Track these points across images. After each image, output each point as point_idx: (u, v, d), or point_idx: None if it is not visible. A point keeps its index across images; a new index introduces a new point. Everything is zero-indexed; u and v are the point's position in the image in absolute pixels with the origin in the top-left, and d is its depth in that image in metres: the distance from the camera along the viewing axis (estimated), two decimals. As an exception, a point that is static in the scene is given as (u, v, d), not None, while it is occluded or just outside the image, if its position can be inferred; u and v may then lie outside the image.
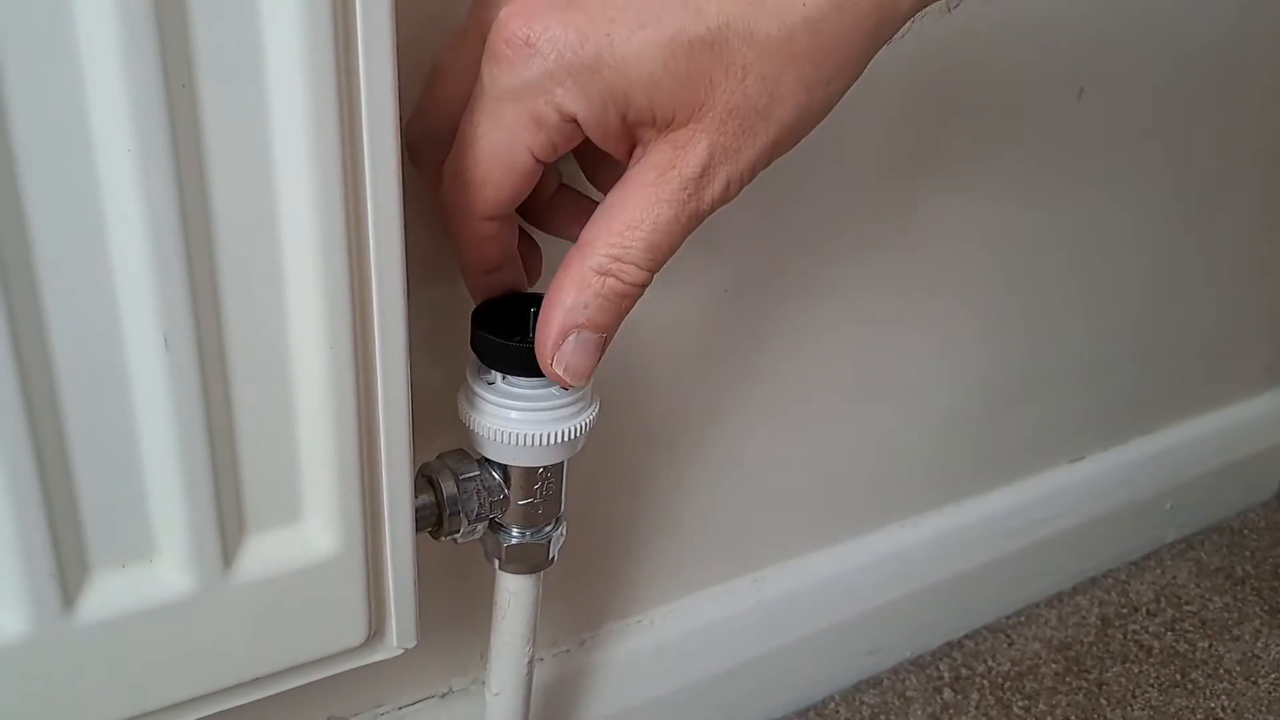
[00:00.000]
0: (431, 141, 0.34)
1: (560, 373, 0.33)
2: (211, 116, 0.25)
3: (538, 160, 0.31)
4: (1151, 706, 0.69)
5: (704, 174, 0.30)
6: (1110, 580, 0.81)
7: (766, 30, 0.29)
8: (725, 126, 0.30)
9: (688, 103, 0.29)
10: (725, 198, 0.31)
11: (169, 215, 0.25)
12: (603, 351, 0.33)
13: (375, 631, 0.35)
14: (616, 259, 0.31)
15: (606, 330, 0.33)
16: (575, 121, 0.30)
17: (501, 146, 0.31)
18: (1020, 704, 0.68)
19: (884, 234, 0.55)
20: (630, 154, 0.31)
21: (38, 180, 0.24)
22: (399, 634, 0.36)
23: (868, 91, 0.49)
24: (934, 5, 0.32)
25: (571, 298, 0.32)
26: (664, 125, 0.30)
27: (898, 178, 0.54)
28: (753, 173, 0.31)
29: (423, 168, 0.35)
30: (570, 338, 0.32)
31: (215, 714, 0.33)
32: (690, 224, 0.31)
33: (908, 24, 0.32)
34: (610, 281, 0.31)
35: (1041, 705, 0.68)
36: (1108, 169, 0.64)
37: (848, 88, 0.32)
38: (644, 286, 0.32)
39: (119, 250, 0.26)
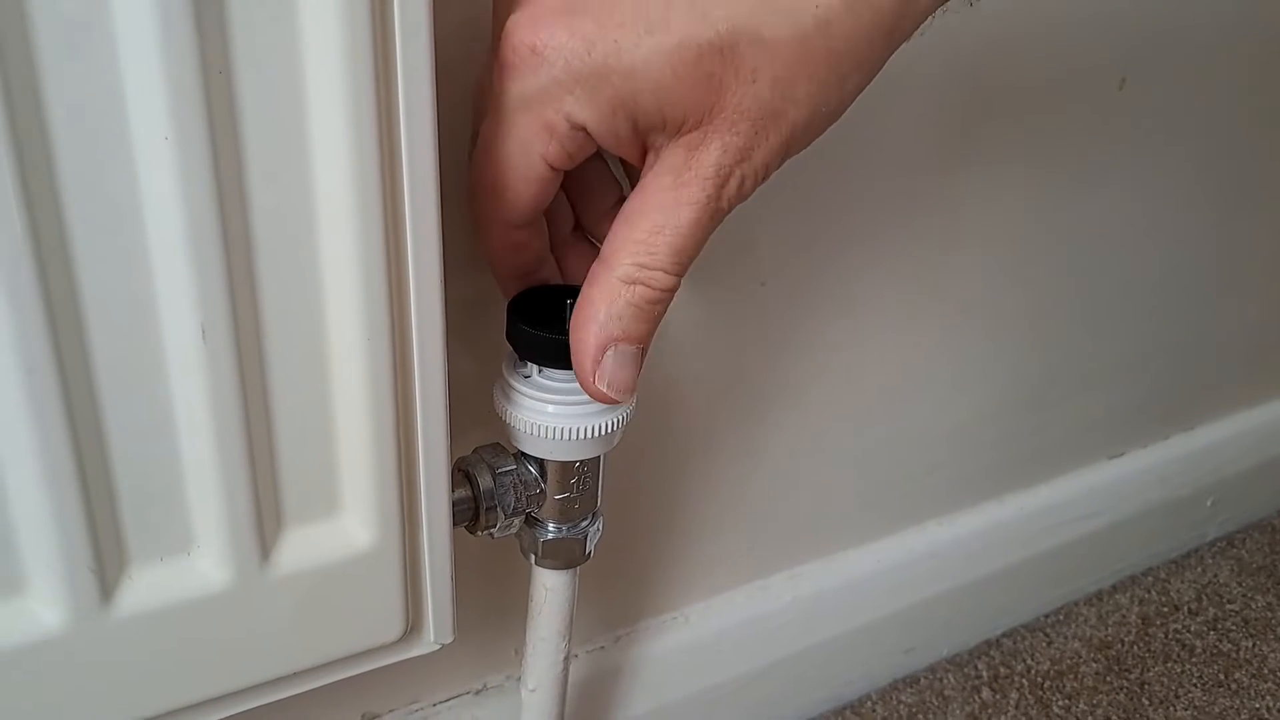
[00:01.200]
0: None
1: (605, 390, 0.32)
2: (248, 103, 0.25)
3: (553, 168, 0.31)
4: (1195, 707, 0.68)
5: (719, 174, 0.30)
6: (1150, 578, 0.80)
7: (777, 33, 0.28)
8: (737, 128, 0.29)
9: (698, 106, 0.29)
10: (741, 196, 0.31)
11: (206, 203, 0.25)
12: (642, 363, 0.33)
13: (412, 627, 0.35)
14: (643, 266, 0.31)
15: (642, 340, 0.32)
16: (585, 130, 0.29)
17: (517, 156, 0.30)
18: (1060, 703, 0.67)
19: (922, 228, 0.54)
20: (643, 160, 0.31)
21: (74, 168, 0.24)
22: (436, 629, 0.35)
23: (904, 84, 0.49)
24: None
25: (603, 312, 0.31)
26: (675, 130, 0.30)
27: (935, 170, 0.53)
28: (767, 171, 0.31)
29: None
30: (608, 353, 0.32)
31: (251, 709, 0.33)
32: (711, 224, 0.31)
33: (928, 20, 0.31)
34: (640, 289, 0.31)
35: (1082, 705, 0.67)
36: (1148, 160, 0.62)
37: (865, 85, 0.31)
38: (673, 291, 0.32)
39: (156, 240, 0.25)
